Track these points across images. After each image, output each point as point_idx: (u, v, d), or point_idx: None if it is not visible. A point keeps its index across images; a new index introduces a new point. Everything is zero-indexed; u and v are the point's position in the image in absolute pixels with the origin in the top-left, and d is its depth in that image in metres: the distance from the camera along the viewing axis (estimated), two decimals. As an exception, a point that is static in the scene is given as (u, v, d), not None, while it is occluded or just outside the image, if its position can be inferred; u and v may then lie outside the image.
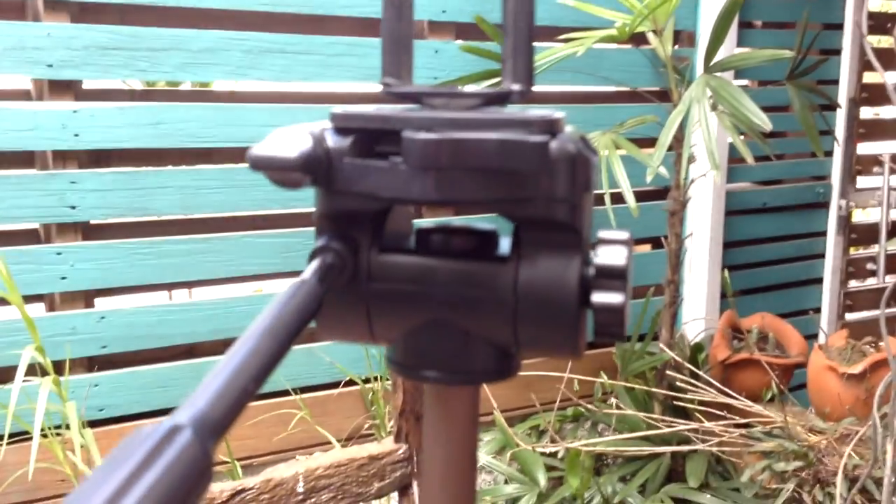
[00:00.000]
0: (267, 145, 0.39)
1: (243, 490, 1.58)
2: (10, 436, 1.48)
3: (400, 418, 1.63)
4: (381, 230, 0.44)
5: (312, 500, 1.61)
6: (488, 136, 0.38)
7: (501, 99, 0.43)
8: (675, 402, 1.98)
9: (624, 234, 0.44)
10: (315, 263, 0.41)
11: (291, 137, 0.40)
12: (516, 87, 0.42)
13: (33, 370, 1.55)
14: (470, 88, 0.43)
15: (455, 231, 0.44)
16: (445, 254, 0.43)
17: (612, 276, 0.41)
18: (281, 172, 0.39)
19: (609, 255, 0.41)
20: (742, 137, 1.75)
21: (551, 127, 0.40)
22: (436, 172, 0.39)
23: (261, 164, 0.39)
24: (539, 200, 0.40)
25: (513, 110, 0.44)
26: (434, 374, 0.43)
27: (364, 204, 0.42)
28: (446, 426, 0.45)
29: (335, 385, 1.94)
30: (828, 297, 2.68)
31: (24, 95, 1.69)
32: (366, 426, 1.96)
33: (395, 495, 1.55)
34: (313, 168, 0.40)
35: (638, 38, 2.06)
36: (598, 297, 0.41)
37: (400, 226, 0.46)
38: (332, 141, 0.41)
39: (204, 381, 0.32)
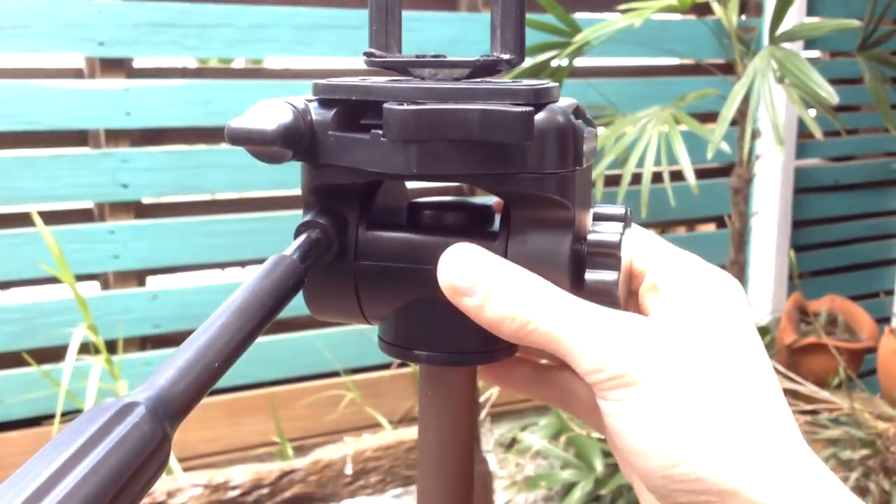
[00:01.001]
0: (245, 118, 0.37)
1: (291, 471, 1.57)
2: (64, 414, 1.49)
3: (451, 401, 1.61)
4: (369, 205, 0.42)
5: (361, 482, 1.59)
6: (470, 107, 0.36)
7: (490, 69, 0.40)
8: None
9: (620, 209, 0.41)
10: (299, 239, 0.39)
11: (271, 110, 0.37)
12: (506, 56, 0.40)
13: (87, 349, 1.56)
14: (457, 59, 0.41)
15: (446, 206, 0.42)
16: (436, 230, 0.41)
17: (606, 253, 0.39)
18: (259, 146, 0.37)
19: (602, 231, 0.39)
20: (813, 112, 1.67)
21: (538, 97, 0.38)
22: (417, 146, 0.37)
23: (238, 138, 0.37)
24: (527, 175, 0.38)
25: (504, 81, 0.41)
26: (425, 354, 0.42)
27: (350, 178, 0.40)
28: (439, 409, 0.43)
29: (387, 366, 1.92)
30: (902, 278, 2.58)
31: (75, 74, 1.69)
32: (417, 409, 1.94)
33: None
34: (294, 142, 0.37)
35: (702, 8, 1.99)
36: (591, 275, 0.39)
37: (393, 201, 0.44)
38: (315, 113, 0.39)
39: (168, 358, 0.30)
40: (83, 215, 1.72)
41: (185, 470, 1.57)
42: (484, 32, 1.90)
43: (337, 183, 0.40)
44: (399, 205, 0.44)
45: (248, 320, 0.33)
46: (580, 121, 0.40)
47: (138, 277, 1.75)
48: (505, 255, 0.39)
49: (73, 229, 1.66)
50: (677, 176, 1.68)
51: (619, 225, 0.40)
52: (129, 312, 1.71)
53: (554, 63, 1.70)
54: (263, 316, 0.34)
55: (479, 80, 0.41)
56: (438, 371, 0.43)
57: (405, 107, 0.36)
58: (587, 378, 0.36)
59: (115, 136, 1.68)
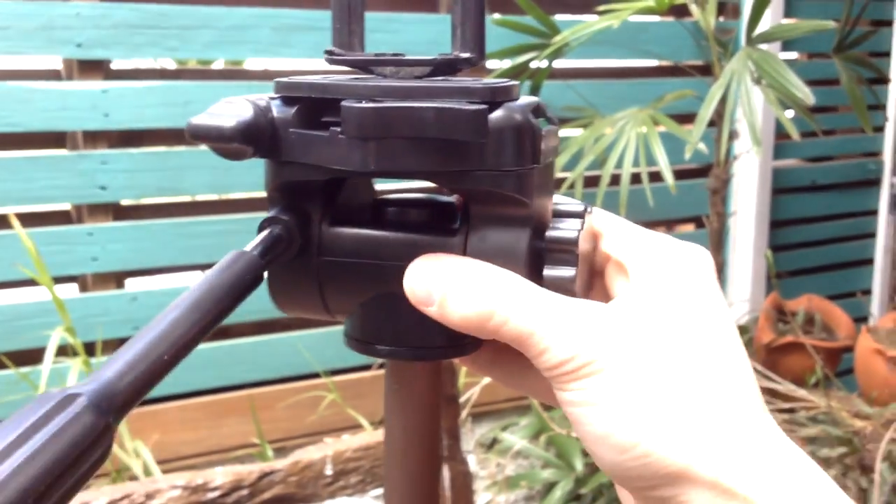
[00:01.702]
0: (206, 115, 0.37)
1: (271, 472, 1.57)
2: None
3: (431, 401, 1.61)
4: (332, 202, 0.42)
5: (341, 482, 1.59)
6: (425, 105, 0.36)
7: (450, 67, 0.41)
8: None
9: (578, 206, 0.41)
10: (260, 235, 0.40)
11: (231, 107, 0.37)
12: (465, 55, 0.40)
13: (65, 352, 1.56)
14: (417, 57, 0.41)
15: (409, 203, 0.43)
16: (397, 226, 0.42)
17: (563, 249, 0.39)
18: (219, 143, 0.37)
19: (560, 228, 0.40)
20: (790, 113, 1.68)
21: (494, 95, 0.38)
22: (375, 143, 0.37)
23: (199, 134, 0.37)
24: (484, 172, 0.38)
25: (464, 79, 0.41)
26: (387, 349, 0.42)
27: (312, 175, 0.40)
28: (405, 404, 0.44)
29: (368, 367, 1.92)
30: (878, 278, 2.60)
31: (53, 75, 1.68)
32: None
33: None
34: (254, 138, 0.38)
35: (680, 10, 2.01)
36: (549, 272, 0.39)
37: (359, 197, 0.44)
38: (277, 111, 0.39)
39: (118, 350, 0.30)
40: (61, 217, 1.71)
41: (165, 472, 1.57)
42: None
43: (299, 180, 0.41)
44: (365, 201, 0.44)
45: (202, 315, 0.33)
46: (541, 119, 0.40)
47: (117, 279, 1.75)
48: (464, 251, 0.40)
49: (52, 231, 1.65)
50: (656, 177, 1.69)
51: (578, 221, 0.40)
52: (108, 314, 1.70)
53: (533, 65, 1.71)
54: (218, 311, 0.34)
55: (439, 78, 0.41)
56: (403, 366, 0.44)
57: (363, 104, 0.36)
58: (545, 373, 0.36)
59: (94, 138, 1.67)
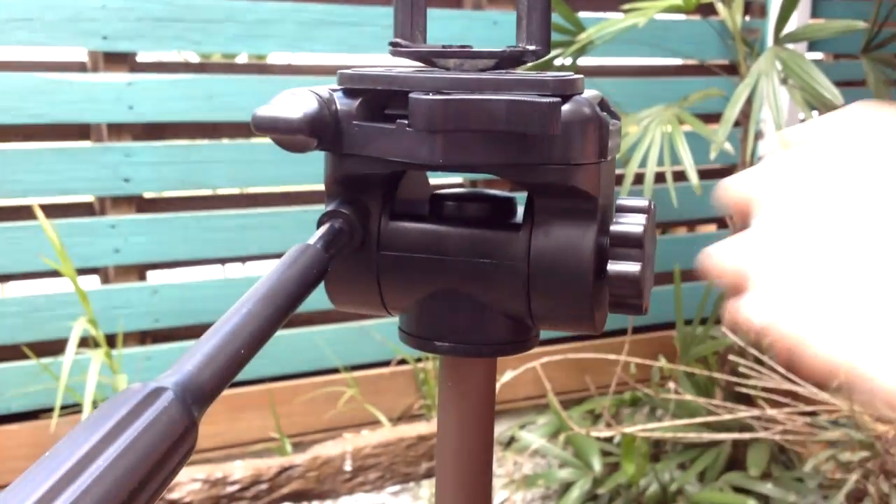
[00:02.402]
0: (272, 107, 0.37)
1: (290, 467, 1.57)
2: (63, 407, 1.48)
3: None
4: (392, 196, 0.42)
5: (359, 478, 1.59)
6: (497, 98, 0.36)
7: (516, 60, 0.40)
8: (737, 389, 1.92)
9: (643, 202, 0.41)
10: (322, 229, 0.39)
11: (297, 99, 0.38)
12: (531, 47, 0.40)
13: (86, 343, 1.56)
14: (483, 49, 0.41)
15: (469, 197, 0.42)
16: (458, 221, 0.41)
17: (629, 245, 0.39)
18: (285, 135, 0.37)
19: (625, 223, 0.39)
20: (816, 114, 1.67)
21: (565, 88, 0.38)
22: (443, 136, 0.37)
23: (265, 126, 0.37)
24: (552, 166, 0.38)
25: (529, 72, 0.41)
26: (447, 345, 0.42)
27: (373, 168, 0.40)
28: (461, 400, 0.43)
29: (387, 363, 1.92)
30: (902, 281, 2.57)
31: (79, 67, 1.69)
32: (417, 406, 1.94)
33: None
34: (319, 130, 0.38)
35: (706, 9, 1.99)
36: (613, 267, 0.39)
37: (416, 191, 0.44)
38: (340, 103, 0.39)
39: (195, 344, 0.30)
40: (85, 209, 1.72)
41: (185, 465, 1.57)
42: (488, 30, 1.89)
43: (361, 173, 0.40)
44: (421, 196, 0.44)
45: (273, 308, 0.33)
46: (605, 113, 0.40)
47: (139, 272, 1.75)
48: (528, 246, 0.39)
49: (75, 223, 1.65)
50: (680, 176, 1.68)
51: (643, 217, 0.40)
52: (130, 306, 1.71)
53: (557, 62, 1.70)
54: (288, 304, 0.34)
55: (504, 71, 0.41)
56: (459, 362, 0.43)
57: (432, 97, 0.36)
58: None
59: (118, 130, 1.68)
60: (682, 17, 2.10)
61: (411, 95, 0.36)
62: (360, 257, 0.42)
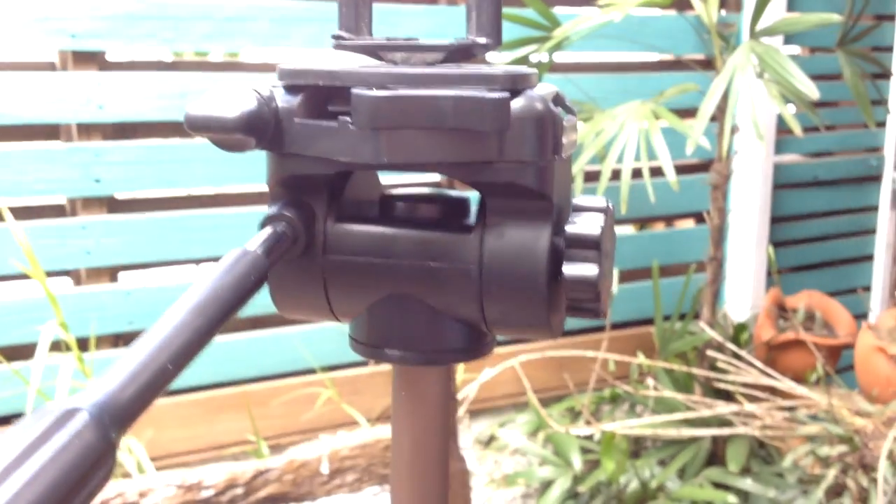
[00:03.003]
0: (205, 104, 0.35)
1: (266, 470, 1.55)
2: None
3: (429, 398, 1.59)
4: (338, 197, 0.40)
5: (337, 480, 1.57)
6: (444, 93, 0.34)
7: (465, 52, 0.39)
8: (716, 384, 1.92)
9: (600, 201, 0.39)
10: (263, 233, 0.37)
11: (233, 96, 0.36)
12: (482, 40, 0.38)
13: (58, 347, 1.54)
14: (430, 42, 0.39)
15: (419, 198, 0.41)
16: (408, 223, 0.39)
17: (585, 246, 0.37)
18: (220, 134, 0.35)
19: (581, 224, 0.38)
20: (793, 108, 1.66)
21: (516, 83, 0.36)
22: (387, 133, 0.35)
23: (198, 125, 0.35)
24: (503, 164, 0.36)
25: (481, 66, 0.39)
26: (397, 353, 0.40)
27: (317, 168, 0.38)
28: (414, 410, 0.42)
29: (365, 364, 1.90)
30: (879, 274, 2.58)
31: (48, 67, 1.66)
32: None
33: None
34: (257, 129, 0.36)
35: (682, 3, 1.98)
36: (569, 269, 0.37)
37: (366, 192, 0.42)
38: (281, 100, 0.37)
39: (118, 359, 0.28)
40: (55, 210, 1.69)
41: (159, 469, 1.55)
42: (464, 25, 1.88)
43: (304, 173, 0.39)
44: (371, 197, 0.42)
45: (206, 319, 0.31)
46: (560, 109, 0.38)
47: (111, 274, 1.72)
48: (480, 249, 0.38)
49: (45, 224, 1.63)
50: (656, 172, 1.67)
51: (600, 217, 0.38)
52: (102, 309, 1.68)
53: (533, 58, 1.69)
54: (223, 314, 0.32)
55: (453, 65, 0.39)
56: (412, 371, 0.42)
57: (375, 92, 0.34)
58: None
59: (88, 130, 1.65)
60: (657, 11, 2.09)
61: (353, 91, 0.34)
62: (306, 262, 0.40)
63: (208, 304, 0.32)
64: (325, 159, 0.37)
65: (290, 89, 0.38)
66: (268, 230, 0.38)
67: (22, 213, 1.58)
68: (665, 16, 2.12)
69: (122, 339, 1.74)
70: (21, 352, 1.60)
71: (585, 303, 0.38)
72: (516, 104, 0.36)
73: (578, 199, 0.40)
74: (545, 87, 0.39)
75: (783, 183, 2.37)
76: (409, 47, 0.39)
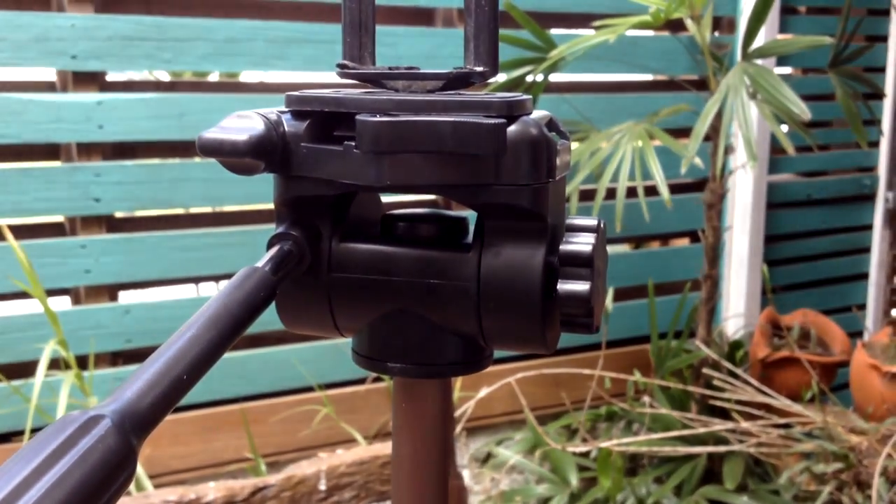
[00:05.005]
0: (218, 130, 0.37)
1: (265, 487, 1.56)
2: (33, 430, 1.47)
3: (426, 416, 1.60)
4: (342, 217, 0.42)
5: (335, 497, 1.58)
6: (443, 119, 0.36)
7: (463, 81, 0.40)
8: (711, 402, 1.93)
9: (592, 221, 0.41)
10: (271, 251, 0.39)
11: (243, 122, 0.37)
12: (479, 68, 0.40)
13: (57, 365, 1.55)
14: (430, 70, 0.41)
15: (420, 218, 0.42)
16: (408, 242, 0.41)
17: (578, 264, 0.39)
18: (231, 158, 0.37)
19: (575, 243, 0.40)
20: (786, 128, 1.68)
21: (511, 109, 0.38)
22: (390, 157, 0.37)
23: (210, 150, 0.37)
24: (500, 186, 0.38)
25: (478, 94, 0.41)
26: (398, 366, 0.42)
27: (322, 190, 0.40)
28: (414, 422, 0.43)
29: (362, 381, 1.91)
30: (873, 293, 2.60)
31: (48, 87, 1.68)
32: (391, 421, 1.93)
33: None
34: (266, 153, 0.38)
35: (676, 25, 2.01)
36: (563, 286, 0.39)
37: (367, 213, 0.44)
38: (288, 125, 0.39)
39: (136, 370, 0.30)
40: (55, 229, 1.70)
41: (157, 486, 1.56)
42: (459, 47, 1.89)
43: (309, 195, 0.40)
44: (373, 217, 0.44)
45: (218, 332, 0.33)
46: (553, 133, 0.40)
47: (110, 292, 1.73)
48: (478, 267, 0.40)
49: (44, 243, 1.64)
50: (651, 191, 1.69)
51: (592, 236, 0.40)
52: (101, 327, 1.69)
53: (529, 78, 1.71)
54: (234, 328, 0.34)
55: (452, 92, 0.41)
56: (412, 383, 0.43)
57: (378, 118, 0.36)
58: None
59: (88, 150, 1.67)
60: (651, 33, 2.12)
61: (358, 117, 0.36)
62: (311, 280, 0.42)
63: (220, 319, 0.33)
64: (330, 181, 0.39)
65: (297, 115, 0.40)
66: (275, 249, 0.40)
67: (22, 231, 1.59)
68: (658, 36, 2.14)
69: (121, 357, 1.75)
70: (21, 369, 1.61)
71: (579, 318, 0.39)
72: (512, 129, 0.38)
73: (572, 219, 0.41)
74: (539, 113, 0.41)
75: (777, 202, 2.39)
76: (410, 75, 0.41)
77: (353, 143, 0.37)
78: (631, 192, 1.70)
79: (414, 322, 0.41)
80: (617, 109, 2.06)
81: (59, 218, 1.70)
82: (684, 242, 2.36)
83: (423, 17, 1.93)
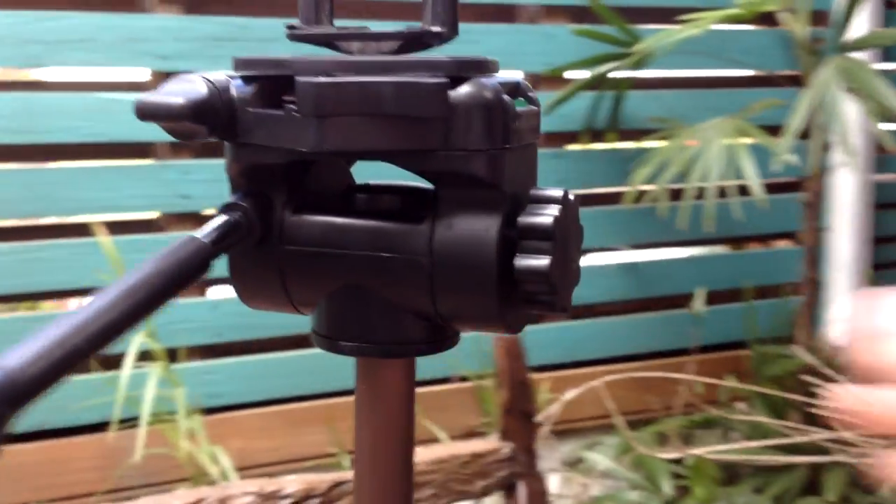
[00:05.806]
0: (156, 93, 0.36)
1: (344, 482, 1.56)
2: (122, 420, 1.51)
3: (506, 416, 1.58)
4: (297, 187, 0.40)
5: (413, 495, 1.58)
6: (384, 80, 0.34)
7: (419, 42, 0.39)
8: (809, 410, 1.85)
9: (557, 192, 0.38)
10: (215, 221, 0.38)
11: (184, 85, 0.36)
12: (435, 28, 0.38)
13: (147, 357, 1.59)
14: (385, 30, 0.39)
15: (382, 189, 0.40)
16: (366, 213, 0.39)
17: (538, 237, 0.36)
18: (169, 122, 0.36)
19: (535, 214, 0.37)
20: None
21: (462, 69, 0.36)
22: (330, 121, 0.35)
23: (147, 113, 0.36)
24: (450, 153, 0.36)
25: (432, 54, 0.39)
26: (353, 345, 0.40)
27: (270, 157, 0.38)
28: (374, 405, 0.42)
29: (447, 380, 1.90)
30: None
31: (139, 87, 1.73)
32: (478, 424, 1.92)
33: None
34: (207, 118, 0.36)
35: (771, 18, 1.94)
36: (520, 261, 0.36)
37: (331, 183, 0.42)
38: (236, 90, 0.38)
39: (33, 334, 0.29)
40: (145, 226, 1.75)
41: (244, 478, 1.58)
42: (543, 44, 1.87)
43: (259, 163, 0.39)
44: (337, 188, 0.42)
45: (133, 303, 0.32)
46: (520, 98, 0.38)
47: (199, 287, 1.77)
48: (431, 239, 0.37)
49: (136, 239, 1.69)
50: (746, 190, 1.63)
51: (556, 207, 0.37)
52: (190, 321, 1.73)
53: (612, 75, 1.67)
54: (152, 300, 0.33)
55: (407, 54, 0.39)
56: (371, 364, 0.41)
57: (317, 79, 0.34)
58: None
59: (178, 148, 1.71)
60: (745, 26, 2.05)
61: (297, 79, 0.35)
62: (263, 252, 0.40)
63: (139, 289, 0.32)
64: (276, 148, 0.38)
65: (246, 79, 0.38)
66: (220, 218, 0.38)
67: (113, 228, 1.64)
68: (753, 30, 2.07)
69: (211, 351, 1.79)
70: (112, 361, 1.66)
71: (539, 295, 0.37)
72: (461, 90, 0.36)
73: (538, 190, 0.39)
74: (503, 75, 0.38)
75: (885, 202, 2.27)
76: (361, 35, 0.39)
77: (295, 107, 0.36)
78: (723, 191, 1.65)
79: (368, 299, 0.39)
80: (708, 106, 1.99)
81: (149, 214, 1.75)
82: (784, 244, 2.27)
83: (505, 13, 1.91)
